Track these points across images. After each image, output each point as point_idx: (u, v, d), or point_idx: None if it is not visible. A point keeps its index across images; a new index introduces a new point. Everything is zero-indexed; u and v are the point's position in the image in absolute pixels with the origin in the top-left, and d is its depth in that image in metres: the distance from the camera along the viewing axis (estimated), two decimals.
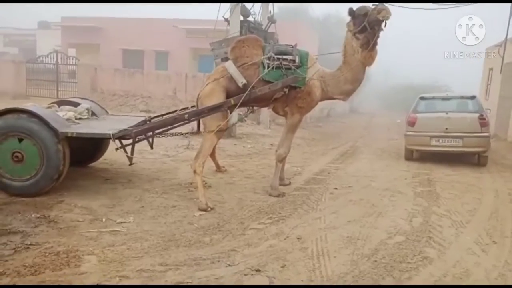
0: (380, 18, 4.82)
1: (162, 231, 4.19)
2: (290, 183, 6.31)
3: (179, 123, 5.50)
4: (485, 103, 15.40)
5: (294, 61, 5.33)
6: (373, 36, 5.01)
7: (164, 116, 5.95)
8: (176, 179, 6.25)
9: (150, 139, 5.87)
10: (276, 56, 5.28)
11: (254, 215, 4.85)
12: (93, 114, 6.22)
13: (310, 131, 14.79)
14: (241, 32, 9.87)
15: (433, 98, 9.59)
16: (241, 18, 10.47)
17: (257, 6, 11.60)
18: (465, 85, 22.76)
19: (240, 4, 10.26)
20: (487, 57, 17.08)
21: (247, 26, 10.39)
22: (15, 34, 38.92)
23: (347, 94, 5.61)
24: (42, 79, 19.28)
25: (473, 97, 9.21)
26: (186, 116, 5.38)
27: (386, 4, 4.95)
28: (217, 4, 9.77)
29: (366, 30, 4.97)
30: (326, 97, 5.63)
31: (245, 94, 5.20)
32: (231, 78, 5.32)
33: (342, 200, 5.68)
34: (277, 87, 5.28)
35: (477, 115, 8.57)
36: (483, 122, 8.47)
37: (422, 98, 9.49)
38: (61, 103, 6.34)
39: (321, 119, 20.61)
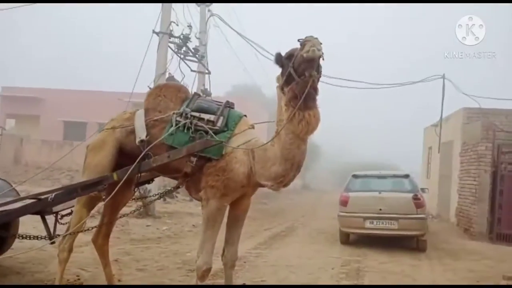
0: (304, 56, 3.12)
1: None
2: None
3: (41, 208, 4.22)
4: (426, 182, 15.30)
5: (213, 122, 3.73)
6: (303, 87, 3.21)
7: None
8: (41, 273, 4.95)
9: None
10: (190, 113, 3.77)
11: None
12: None
13: (251, 209, 13.72)
14: None
15: (366, 176, 9.03)
16: None
17: (190, 78, 11.22)
18: (414, 164, 22.99)
19: (166, 75, 9.75)
20: (425, 137, 17.42)
21: None
22: None
23: (275, 180, 3.51)
24: None
25: (406, 176, 8.73)
26: (50, 198, 4.01)
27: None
28: None
29: (293, 80, 3.28)
30: (254, 181, 3.62)
31: (132, 166, 3.80)
32: (132, 132, 3.94)
33: None
34: (180, 156, 3.67)
35: (411, 195, 7.99)
36: (418, 202, 7.88)
37: (355, 176, 8.91)
38: None
39: (268, 195, 19.66)
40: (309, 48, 3.09)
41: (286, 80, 3.33)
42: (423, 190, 8.88)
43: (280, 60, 3.41)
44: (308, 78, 3.21)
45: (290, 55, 3.30)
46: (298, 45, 3.21)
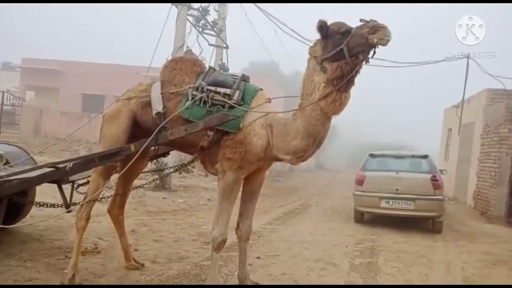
0: (374, 41, 3.11)
1: None
2: None
3: (58, 177, 4.26)
4: (444, 164, 15.05)
5: (230, 96, 3.69)
6: (353, 68, 3.24)
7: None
8: (60, 241, 5.05)
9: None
10: (206, 87, 3.73)
11: None
12: (8, 162, 4.91)
13: (265, 186, 13.79)
14: None
15: (384, 155, 8.90)
16: None
17: (208, 52, 11.11)
18: (432, 146, 22.66)
19: (184, 48, 9.65)
20: (445, 118, 17.04)
21: None
22: None
23: (295, 155, 3.53)
24: None
25: (425, 156, 8.57)
26: (68, 167, 3.95)
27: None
28: None
29: (343, 58, 3.23)
30: (270, 154, 3.64)
31: (149, 138, 3.78)
32: (147, 104, 3.92)
33: (260, 275, 4.61)
34: (197, 129, 3.66)
35: (429, 176, 7.87)
36: (436, 183, 7.76)
37: (372, 155, 8.79)
38: None
39: (283, 173, 19.76)
40: (383, 37, 3.08)
41: (333, 56, 3.27)
42: (441, 171, 8.73)
43: (325, 30, 3.30)
44: (360, 62, 3.22)
45: (347, 32, 3.25)
46: (350, 24, 3.25)
